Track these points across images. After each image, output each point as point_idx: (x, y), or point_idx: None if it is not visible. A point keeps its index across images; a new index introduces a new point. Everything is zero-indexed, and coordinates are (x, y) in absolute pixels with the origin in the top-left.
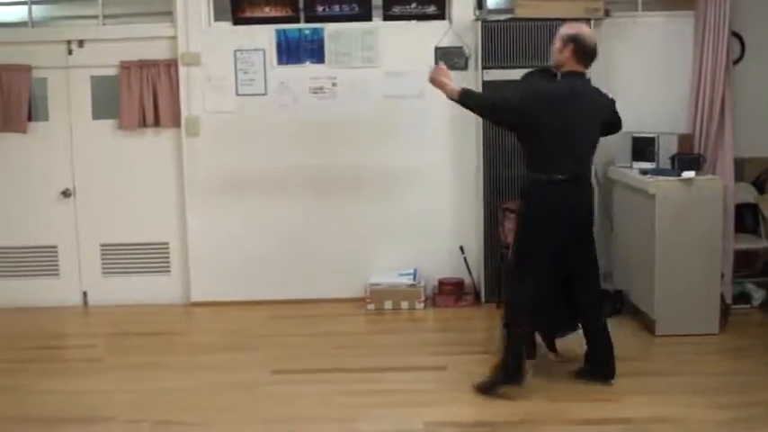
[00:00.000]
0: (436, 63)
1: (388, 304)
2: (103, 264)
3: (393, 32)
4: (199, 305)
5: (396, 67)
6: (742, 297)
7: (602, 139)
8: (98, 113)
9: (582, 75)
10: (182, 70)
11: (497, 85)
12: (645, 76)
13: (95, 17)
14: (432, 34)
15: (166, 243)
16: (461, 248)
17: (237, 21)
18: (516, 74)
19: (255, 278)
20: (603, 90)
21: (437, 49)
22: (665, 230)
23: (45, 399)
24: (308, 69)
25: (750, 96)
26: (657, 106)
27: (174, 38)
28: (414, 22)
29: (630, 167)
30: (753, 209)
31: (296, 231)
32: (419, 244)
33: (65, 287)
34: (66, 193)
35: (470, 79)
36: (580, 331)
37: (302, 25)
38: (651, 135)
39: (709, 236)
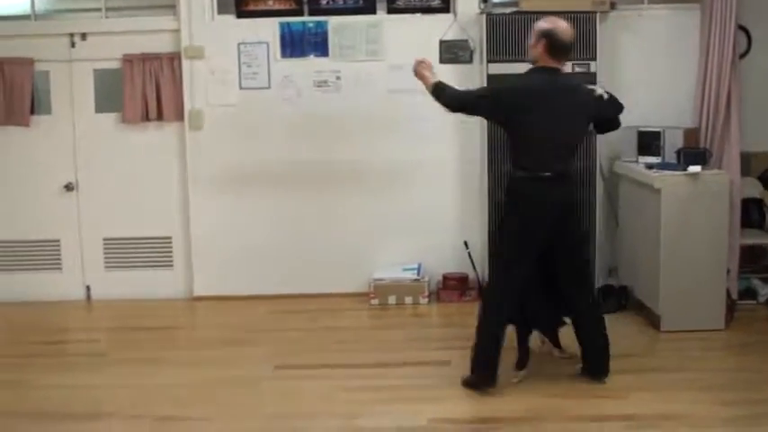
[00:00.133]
0: (440, 57)
1: (391, 299)
2: (106, 258)
3: (397, 26)
4: (202, 299)
5: (400, 60)
6: (748, 293)
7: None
8: (101, 107)
9: (557, 70)
10: (185, 63)
11: (502, 79)
12: (651, 70)
13: (98, 10)
14: (436, 27)
15: (169, 237)
16: (465, 243)
17: (241, 14)
18: (521, 67)
19: (259, 272)
20: (601, 85)
21: (442, 43)
22: (671, 225)
23: (47, 394)
24: (312, 63)
25: (756, 90)
26: (663, 100)
27: (177, 31)
28: (418, 15)
29: (636, 162)
30: (759, 204)
31: (299, 225)
32: (423, 238)
33: (68, 281)
34: (68, 187)
35: (475, 73)
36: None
37: (306, 18)
38: (657, 129)
39: (715, 231)
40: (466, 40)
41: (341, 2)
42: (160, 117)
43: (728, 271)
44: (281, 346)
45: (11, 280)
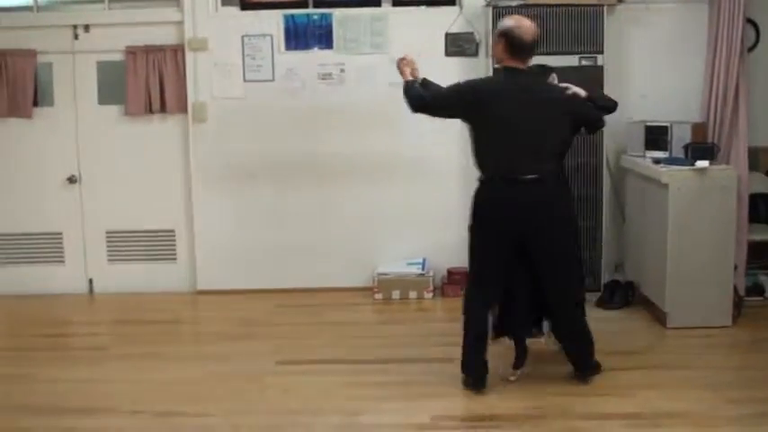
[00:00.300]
0: (445, 50)
1: (395, 294)
2: (109, 251)
3: (402, 18)
4: (205, 293)
5: (405, 53)
6: (755, 289)
7: (615, 128)
8: (104, 99)
9: (521, 70)
10: (188, 55)
11: None
12: (658, 64)
13: (101, 1)
14: (442, 20)
15: (173, 230)
16: None
17: (245, 6)
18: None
19: (262, 266)
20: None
21: (447, 35)
22: (678, 221)
23: (47, 388)
24: (317, 55)
25: (765, 84)
26: (671, 94)
27: (180, 23)
28: (423, 7)
29: (643, 156)
30: (766, 199)
31: (303, 219)
32: (428, 233)
33: (70, 274)
34: (71, 180)
35: (481, 66)
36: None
37: (310, 10)
38: (664, 123)
39: (723, 226)
40: (472, 33)
41: None
42: (163, 109)
43: (736, 267)
44: (283, 340)
45: (13, 273)
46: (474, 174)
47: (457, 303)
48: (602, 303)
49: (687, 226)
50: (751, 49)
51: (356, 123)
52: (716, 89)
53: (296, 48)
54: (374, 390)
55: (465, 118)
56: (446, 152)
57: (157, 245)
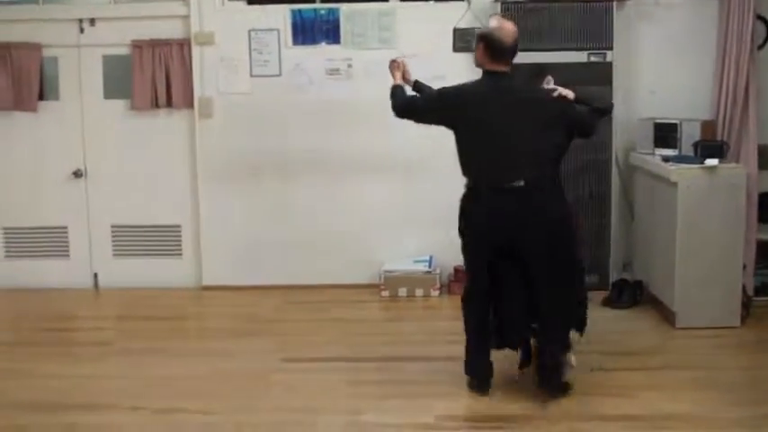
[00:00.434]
0: (453, 45)
1: (402, 291)
2: (114, 246)
3: (410, 13)
4: (210, 289)
5: (413, 48)
6: (764, 289)
7: (624, 125)
8: (110, 93)
9: (503, 74)
10: (195, 50)
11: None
12: (668, 61)
13: None
14: (450, 15)
15: (178, 225)
16: None
17: (252, 0)
18: (535, 57)
19: (268, 262)
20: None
21: (455, 31)
22: (687, 219)
23: (49, 383)
24: (324, 50)
25: None
26: (680, 91)
27: (187, 17)
28: (431, 2)
29: (652, 154)
30: None
31: (310, 215)
32: (435, 230)
33: (75, 269)
34: (77, 174)
35: None
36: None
37: (318, 5)
38: (674, 121)
39: (732, 225)
40: (480, 29)
41: None
42: (170, 104)
43: (744, 266)
44: (289, 337)
45: (18, 267)
46: None
47: None
48: (609, 303)
49: (696, 225)
50: (761, 46)
51: (364, 119)
52: (726, 86)
53: (303, 43)
54: (379, 388)
55: (448, 123)
56: (454, 149)
57: (163, 240)
